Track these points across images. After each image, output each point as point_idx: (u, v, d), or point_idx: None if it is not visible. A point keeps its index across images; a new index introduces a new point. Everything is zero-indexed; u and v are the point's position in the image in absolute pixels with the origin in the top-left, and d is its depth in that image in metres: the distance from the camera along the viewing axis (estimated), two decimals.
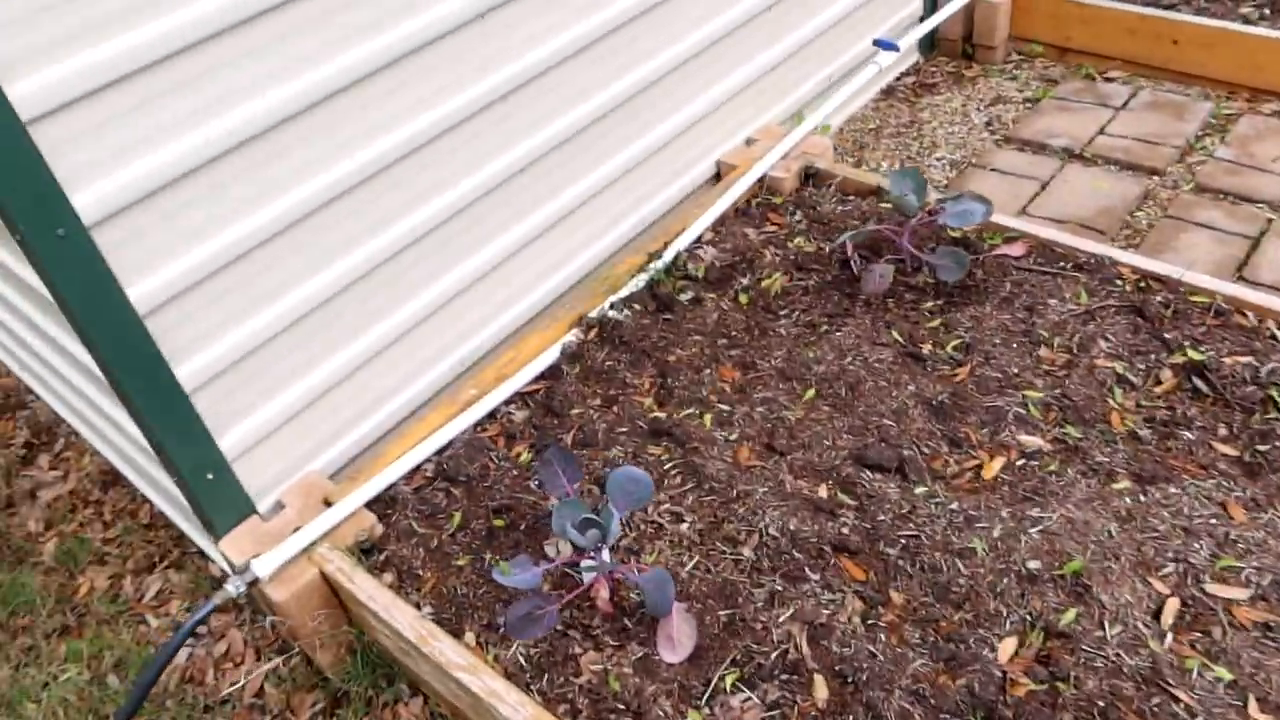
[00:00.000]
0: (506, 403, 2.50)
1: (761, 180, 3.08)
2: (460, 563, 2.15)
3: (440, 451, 2.39)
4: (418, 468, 2.37)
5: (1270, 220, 3.01)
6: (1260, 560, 1.94)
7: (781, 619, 1.93)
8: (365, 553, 2.20)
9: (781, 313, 2.63)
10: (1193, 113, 3.50)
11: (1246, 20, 3.65)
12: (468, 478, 2.31)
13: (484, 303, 2.65)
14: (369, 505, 2.26)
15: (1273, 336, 2.39)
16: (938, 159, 3.49)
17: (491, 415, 2.48)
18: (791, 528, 2.07)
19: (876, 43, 3.50)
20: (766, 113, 3.39)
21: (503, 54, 2.38)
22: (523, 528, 2.20)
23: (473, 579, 2.12)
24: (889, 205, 2.85)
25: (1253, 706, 1.72)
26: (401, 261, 2.37)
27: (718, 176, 3.23)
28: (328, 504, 2.25)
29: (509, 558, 2.07)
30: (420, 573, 2.15)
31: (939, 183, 3.37)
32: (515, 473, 2.32)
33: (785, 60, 3.35)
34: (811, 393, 2.39)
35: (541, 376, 2.55)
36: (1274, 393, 2.23)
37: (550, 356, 2.57)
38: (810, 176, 3.11)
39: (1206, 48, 3.56)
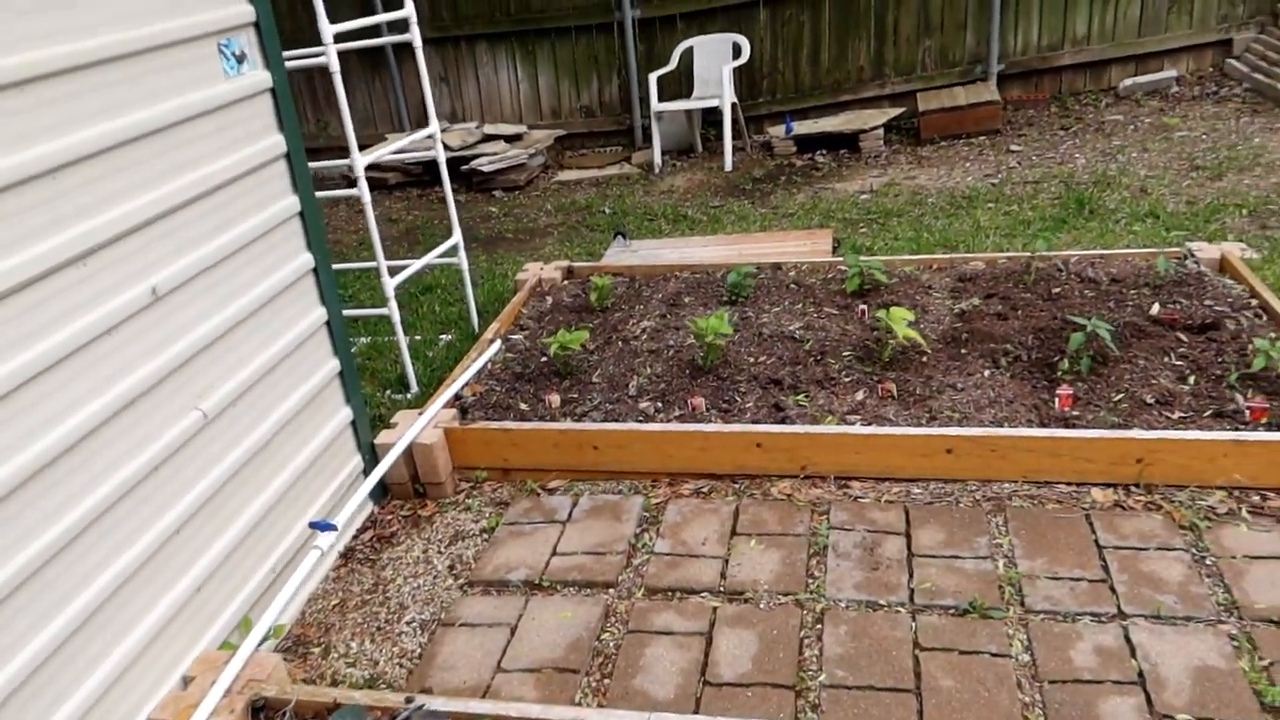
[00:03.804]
0: None
1: None
2: None
3: None
4: None
5: (715, 609, 3.24)
6: None
7: None
8: None
9: None
10: (628, 510, 3.78)
11: (647, 416, 4.13)
12: None
13: None
14: None
15: None
16: (408, 623, 3.34)
17: None
18: None
19: (312, 525, 3.36)
20: (207, 631, 3.03)
21: None
22: None
23: None
24: None
25: None
26: None
27: None
28: None
29: None
30: None
31: (412, 653, 3.20)
32: None
33: (213, 574, 3.06)
34: None
35: None
36: None
37: None
38: (259, 710, 2.76)
39: (621, 448, 3.94)
